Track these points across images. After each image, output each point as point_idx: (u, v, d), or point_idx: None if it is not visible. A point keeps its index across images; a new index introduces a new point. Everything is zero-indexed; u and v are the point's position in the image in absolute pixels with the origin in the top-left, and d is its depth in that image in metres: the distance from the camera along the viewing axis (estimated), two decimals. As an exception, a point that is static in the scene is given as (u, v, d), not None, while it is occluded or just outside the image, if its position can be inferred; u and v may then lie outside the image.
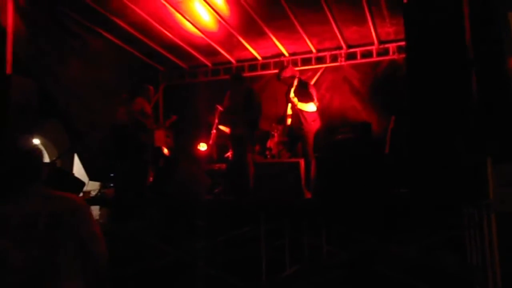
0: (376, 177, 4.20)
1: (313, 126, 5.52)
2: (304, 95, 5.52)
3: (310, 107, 5.49)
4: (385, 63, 7.38)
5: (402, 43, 6.86)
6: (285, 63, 7.64)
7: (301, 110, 5.48)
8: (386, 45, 7.33)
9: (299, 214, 4.42)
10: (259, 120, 5.79)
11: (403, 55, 6.94)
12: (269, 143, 7.11)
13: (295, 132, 5.61)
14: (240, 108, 5.64)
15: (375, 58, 7.45)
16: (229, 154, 6.66)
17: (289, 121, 5.70)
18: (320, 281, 3.97)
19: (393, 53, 7.27)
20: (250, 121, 5.62)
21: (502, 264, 2.59)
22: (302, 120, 5.48)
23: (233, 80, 6.07)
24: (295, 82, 5.59)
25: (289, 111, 5.70)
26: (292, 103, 5.51)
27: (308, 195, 4.99)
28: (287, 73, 5.72)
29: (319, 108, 5.64)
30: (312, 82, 7.41)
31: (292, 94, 5.50)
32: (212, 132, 6.74)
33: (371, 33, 7.00)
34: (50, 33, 5.99)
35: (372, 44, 7.38)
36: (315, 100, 5.55)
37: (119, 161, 5.73)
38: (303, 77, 6.14)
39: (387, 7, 6.19)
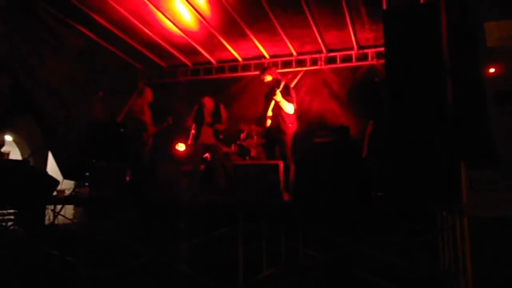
0: (353, 180, 4.25)
1: (291, 129, 5.59)
2: (286, 96, 5.57)
3: (289, 108, 5.54)
4: (364, 68, 7.50)
5: (381, 49, 7.00)
6: (266, 65, 7.65)
7: (280, 112, 5.53)
8: (365, 51, 7.45)
9: (277, 216, 4.43)
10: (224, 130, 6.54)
11: (381, 61, 7.07)
12: (247, 144, 7.10)
13: (274, 134, 5.66)
14: (210, 121, 6.32)
15: (354, 63, 7.57)
16: (207, 155, 6.62)
17: (268, 122, 5.73)
18: (296, 283, 3.99)
19: (372, 58, 7.40)
20: (219, 132, 6.39)
21: (474, 268, 2.65)
22: (281, 121, 5.55)
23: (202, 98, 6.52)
24: (282, 84, 5.64)
25: (270, 113, 5.73)
26: (275, 100, 5.54)
27: (287, 197, 5.01)
28: (269, 75, 5.76)
29: (296, 112, 5.69)
30: (292, 85, 7.46)
31: (278, 91, 5.52)
32: (190, 132, 6.69)
33: (351, 38, 7.10)
34: (26, 28, 5.84)
35: (351, 49, 7.48)
36: (294, 103, 5.61)
37: (96, 159, 5.64)
38: (283, 80, 6.19)
39: (367, 13, 6.30)
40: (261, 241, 4.32)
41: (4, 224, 5.37)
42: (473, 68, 2.96)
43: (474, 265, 2.67)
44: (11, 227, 5.25)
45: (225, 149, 6.96)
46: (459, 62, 3.04)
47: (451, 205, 3.07)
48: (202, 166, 6.60)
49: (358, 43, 7.33)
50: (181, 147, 7.31)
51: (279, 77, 5.87)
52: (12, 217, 5.47)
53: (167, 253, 4.20)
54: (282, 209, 4.40)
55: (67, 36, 6.59)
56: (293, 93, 5.77)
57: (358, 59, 7.54)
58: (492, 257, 2.64)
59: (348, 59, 7.61)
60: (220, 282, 3.65)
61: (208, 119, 6.36)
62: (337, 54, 7.64)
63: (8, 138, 8.63)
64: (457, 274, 3.05)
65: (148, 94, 6.63)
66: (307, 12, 6.27)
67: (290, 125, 5.58)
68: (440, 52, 3.25)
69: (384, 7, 5.87)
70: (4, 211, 5.50)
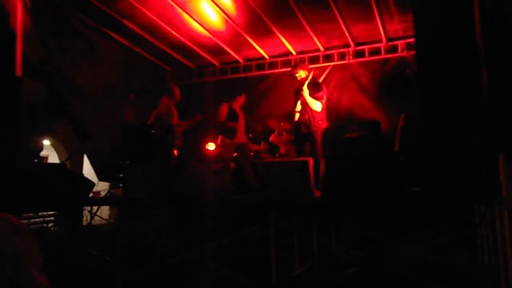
0: (385, 175, 4.17)
1: (321, 125, 5.51)
2: (314, 93, 5.52)
3: (317, 105, 5.48)
4: (394, 60, 7.34)
5: (411, 40, 6.83)
6: (297, 62, 7.63)
7: (310, 108, 5.49)
8: (395, 42, 7.28)
9: (308, 213, 4.41)
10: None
11: (411, 52, 6.89)
12: (277, 141, 7.09)
13: (302, 129, 5.60)
14: (242, 122, 6.44)
15: (383, 56, 7.41)
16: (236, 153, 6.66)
17: (297, 116, 5.69)
18: (329, 280, 3.96)
19: (402, 50, 7.23)
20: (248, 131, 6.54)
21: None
22: (311, 118, 5.49)
23: (235, 98, 6.57)
24: (310, 76, 5.60)
25: (298, 108, 5.69)
26: (302, 96, 5.50)
27: (317, 194, 4.97)
28: (302, 70, 5.71)
29: (325, 108, 5.61)
30: (320, 80, 7.38)
31: (305, 86, 5.48)
32: (221, 130, 6.73)
33: (379, 30, 6.95)
34: (59, 35, 6.05)
35: (380, 41, 7.33)
36: (323, 100, 5.54)
37: (130, 161, 5.77)
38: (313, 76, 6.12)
39: (395, 4, 6.15)
40: (293, 238, 4.31)
41: (45, 225, 5.59)
42: (509, 57, 2.84)
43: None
44: (52, 228, 5.46)
45: (255, 147, 6.98)
46: (494, 51, 2.92)
47: (490, 198, 2.97)
48: (232, 165, 6.65)
49: (387, 35, 7.17)
50: (211, 146, 7.38)
51: (310, 71, 5.80)
52: (52, 218, 5.68)
53: (200, 252, 4.26)
54: (314, 206, 4.38)
55: (98, 42, 6.78)
56: (323, 88, 5.68)
57: (387, 51, 7.38)
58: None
59: (377, 52, 7.46)
60: (253, 280, 3.66)
61: (241, 117, 6.43)
62: (366, 47, 7.50)
63: (46, 142, 8.96)
64: (497, 269, 2.94)
65: (176, 93, 6.68)
66: (333, 6, 6.19)
67: (319, 121, 5.52)
68: (473, 40, 3.13)
69: (413, -4, 5.72)
70: (45, 213, 5.72)
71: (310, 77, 5.58)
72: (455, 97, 3.17)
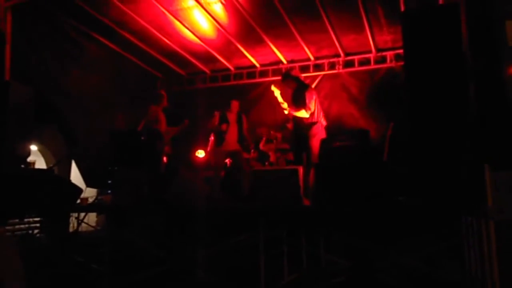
0: (374, 184, 4.20)
1: (315, 128, 5.29)
2: (298, 101, 5.35)
3: (301, 113, 5.29)
4: (383, 70, 7.44)
5: (400, 51, 6.93)
6: (283, 70, 7.65)
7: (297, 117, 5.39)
8: (384, 53, 7.39)
9: (297, 222, 4.41)
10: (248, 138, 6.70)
11: (400, 63, 6.99)
12: (267, 149, 7.11)
13: (301, 133, 5.37)
14: (235, 129, 6.31)
15: (373, 66, 7.51)
16: (227, 161, 6.66)
17: (290, 124, 5.62)
18: (318, 289, 3.96)
19: (391, 61, 7.34)
20: (243, 139, 6.40)
21: (501, 273, 2.58)
22: (302, 124, 5.33)
23: (228, 105, 6.47)
24: (277, 92, 5.48)
25: (287, 111, 5.51)
26: (283, 108, 5.41)
27: (307, 203, 4.98)
28: (285, 84, 5.64)
29: (318, 108, 5.37)
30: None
31: (280, 99, 5.41)
32: (210, 139, 6.74)
33: (369, 41, 7.05)
34: (49, 40, 6.01)
35: (369, 52, 7.43)
36: (307, 106, 5.26)
37: (118, 167, 5.72)
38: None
39: (385, 16, 6.25)
40: (282, 247, 4.30)
41: (30, 231, 5.50)
42: (495, 69, 2.90)
43: (501, 270, 2.60)
44: (37, 235, 5.37)
45: (244, 154, 6.98)
46: (480, 62, 2.98)
47: (476, 208, 3.00)
48: (223, 172, 6.64)
49: (376, 45, 7.28)
50: (200, 153, 7.37)
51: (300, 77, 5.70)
52: (38, 225, 5.60)
53: (189, 260, 4.23)
54: (303, 214, 4.38)
55: (89, 48, 6.75)
56: (308, 93, 5.34)
57: (377, 62, 7.49)
58: (520, 261, 2.57)
59: (366, 62, 7.56)
60: (241, 288, 3.65)
61: (233, 124, 6.32)
62: (355, 57, 7.60)
63: (33, 147, 8.85)
64: (483, 279, 2.97)
65: (163, 99, 6.64)
66: (324, 16, 6.26)
67: (310, 124, 5.28)
68: (460, 52, 3.19)
69: (402, 8, 5.82)
70: (30, 219, 5.63)
71: (278, 94, 5.45)
72: (443, 107, 3.21)
